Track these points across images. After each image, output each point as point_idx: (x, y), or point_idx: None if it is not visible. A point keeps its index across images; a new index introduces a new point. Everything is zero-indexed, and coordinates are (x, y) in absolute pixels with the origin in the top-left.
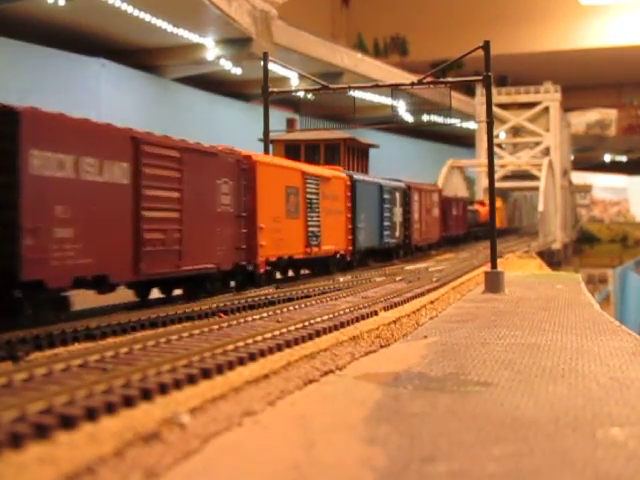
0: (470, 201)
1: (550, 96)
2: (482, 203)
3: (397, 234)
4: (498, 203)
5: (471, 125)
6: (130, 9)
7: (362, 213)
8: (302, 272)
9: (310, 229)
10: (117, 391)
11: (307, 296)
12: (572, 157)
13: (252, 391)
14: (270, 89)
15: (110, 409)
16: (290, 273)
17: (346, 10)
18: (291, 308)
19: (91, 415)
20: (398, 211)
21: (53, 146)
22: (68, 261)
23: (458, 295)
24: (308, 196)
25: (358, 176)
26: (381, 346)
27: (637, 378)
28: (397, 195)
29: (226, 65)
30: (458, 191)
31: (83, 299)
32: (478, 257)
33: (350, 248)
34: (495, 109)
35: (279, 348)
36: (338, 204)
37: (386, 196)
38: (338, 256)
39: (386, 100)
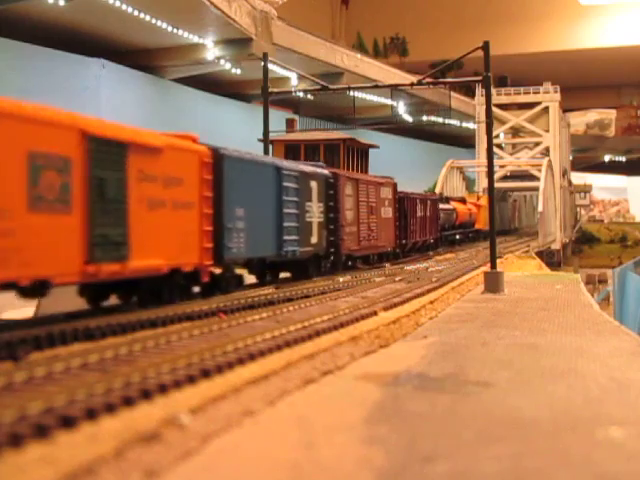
0: (445, 198)
1: (549, 96)
2: (462, 201)
3: (314, 240)
4: (483, 200)
5: (471, 125)
6: (130, 10)
7: (238, 207)
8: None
9: (98, 232)
10: (117, 391)
11: (307, 296)
12: (571, 157)
13: (252, 391)
14: (270, 89)
15: (110, 409)
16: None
17: (346, 11)
18: (291, 308)
19: (91, 415)
20: (316, 208)
21: None
22: None
23: (458, 295)
24: (96, 174)
25: (229, 151)
26: (381, 346)
27: (636, 378)
28: (314, 185)
29: (226, 65)
30: (457, 191)
31: None
32: (478, 257)
33: (208, 262)
34: (495, 109)
35: (279, 348)
36: (183, 192)
37: (289, 184)
38: (186, 274)
39: (386, 100)
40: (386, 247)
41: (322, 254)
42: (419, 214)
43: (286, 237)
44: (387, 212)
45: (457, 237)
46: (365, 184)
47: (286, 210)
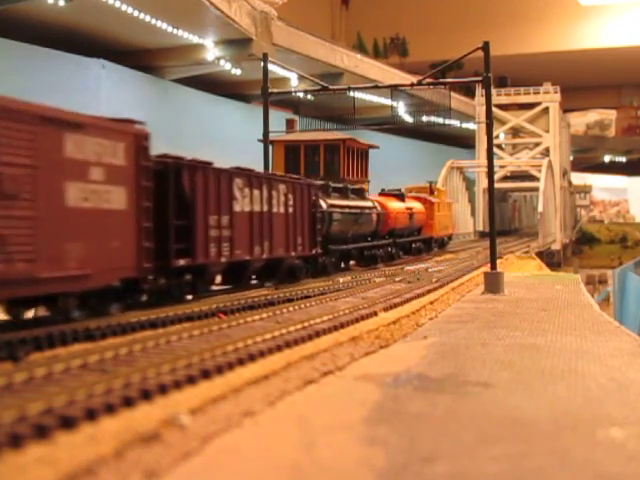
0: (357, 190)
1: (550, 97)
2: (398, 196)
3: None
4: (441, 195)
5: (471, 126)
6: (130, 10)
7: None
8: None
9: None
10: (117, 392)
11: (307, 297)
12: (572, 158)
13: (252, 392)
14: (270, 90)
15: (110, 410)
16: None
17: (346, 11)
18: (291, 309)
19: (91, 416)
20: None
21: None
22: None
23: (458, 296)
24: None
25: None
26: (381, 347)
27: (636, 378)
28: None
29: (226, 66)
30: (458, 191)
31: None
32: (478, 258)
33: None
34: (495, 110)
35: (279, 349)
36: None
37: None
38: None
39: (386, 101)
40: (96, 278)
41: None
42: (245, 208)
43: None
44: (103, 196)
45: (389, 250)
46: None
47: None
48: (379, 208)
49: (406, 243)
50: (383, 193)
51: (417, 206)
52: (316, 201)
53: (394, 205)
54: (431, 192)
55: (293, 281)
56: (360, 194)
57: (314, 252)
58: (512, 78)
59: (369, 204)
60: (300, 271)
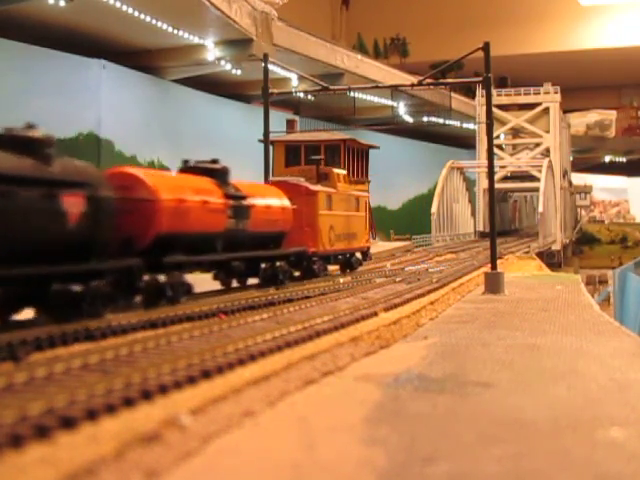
0: (18, 137)
1: (550, 97)
2: (210, 173)
3: None
4: (336, 185)
5: (471, 126)
6: (130, 10)
7: None
8: None
9: None
10: (117, 392)
11: (307, 297)
12: (572, 158)
13: (252, 392)
14: (270, 90)
15: (110, 410)
16: None
17: (346, 11)
18: (291, 309)
19: (91, 416)
20: None
21: None
22: None
23: (458, 296)
24: None
25: None
26: (381, 347)
27: (636, 379)
28: None
29: (226, 66)
30: (458, 192)
31: None
32: (478, 258)
33: None
34: (495, 110)
35: (279, 349)
36: None
37: None
38: None
39: (386, 101)
40: None
41: None
42: None
43: None
44: None
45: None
46: None
47: None
48: (104, 191)
49: (234, 263)
50: (185, 168)
51: (272, 200)
52: None
53: (183, 189)
54: (320, 177)
55: None
56: (37, 150)
57: None
58: (512, 78)
59: (57, 177)
60: None
